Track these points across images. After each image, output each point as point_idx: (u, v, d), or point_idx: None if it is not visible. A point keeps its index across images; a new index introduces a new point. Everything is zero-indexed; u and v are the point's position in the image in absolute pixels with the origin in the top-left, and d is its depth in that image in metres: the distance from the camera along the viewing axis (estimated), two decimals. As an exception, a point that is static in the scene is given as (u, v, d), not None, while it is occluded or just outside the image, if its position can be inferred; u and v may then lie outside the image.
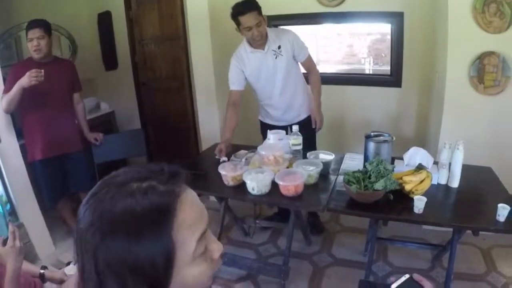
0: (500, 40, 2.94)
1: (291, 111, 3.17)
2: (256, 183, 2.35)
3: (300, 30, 3.33)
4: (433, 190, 2.35)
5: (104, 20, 4.80)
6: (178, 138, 4.92)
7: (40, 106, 3.08)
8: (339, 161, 2.85)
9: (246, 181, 2.38)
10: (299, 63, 3.11)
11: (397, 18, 3.74)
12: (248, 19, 2.75)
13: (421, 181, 2.27)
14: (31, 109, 3.07)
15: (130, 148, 3.80)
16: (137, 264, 0.63)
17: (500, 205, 2.01)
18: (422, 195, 2.21)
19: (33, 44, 2.99)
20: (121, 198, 0.66)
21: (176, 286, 0.68)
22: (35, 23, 2.98)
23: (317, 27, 4.64)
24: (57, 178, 3.31)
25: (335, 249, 3.32)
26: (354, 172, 2.29)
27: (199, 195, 0.76)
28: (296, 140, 2.69)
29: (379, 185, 2.13)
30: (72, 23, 4.61)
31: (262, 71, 3.01)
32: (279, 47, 2.95)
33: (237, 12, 2.75)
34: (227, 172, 2.47)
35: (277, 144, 2.66)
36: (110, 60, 4.96)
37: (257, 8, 2.77)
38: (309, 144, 3.00)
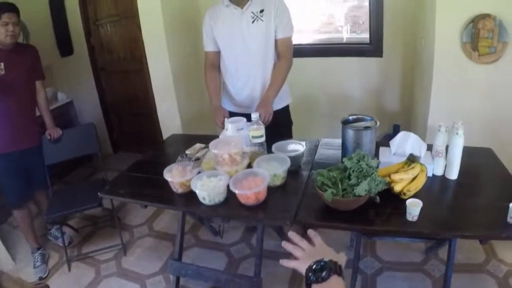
0: (496, 0, 2.43)
1: (258, 97, 2.49)
2: (207, 192, 1.76)
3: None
4: (427, 184, 1.80)
5: (56, 1, 4.13)
6: (142, 124, 4.39)
7: (2, 98, 2.62)
8: (313, 150, 2.27)
9: (194, 190, 1.78)
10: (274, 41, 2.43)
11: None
12: None
13: (414, 178, 1.71)
14: None
15: (81, 146, 3.09)
16: None
17: (511, 204, 1.49)
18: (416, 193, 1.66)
19: (8, 29, 2.52)
20: None
21: None
22: (11, 6, 2.54)
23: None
24: (20, 175, 2.82)
25: (317, 244, 2.78)
26: (329, 170, 1.69)
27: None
28: (256, 131, 2.03)
29: (361, 190, 1.55)
30: (21, 7, 3.90)
31: (234, 34, 2.38)
32: (262, 11, 2.32)
33: None
34: (173, 178, 1.87)
35: (233, 138, 2.01)
36: (65, 45, 4.33)
37: None
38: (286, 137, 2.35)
